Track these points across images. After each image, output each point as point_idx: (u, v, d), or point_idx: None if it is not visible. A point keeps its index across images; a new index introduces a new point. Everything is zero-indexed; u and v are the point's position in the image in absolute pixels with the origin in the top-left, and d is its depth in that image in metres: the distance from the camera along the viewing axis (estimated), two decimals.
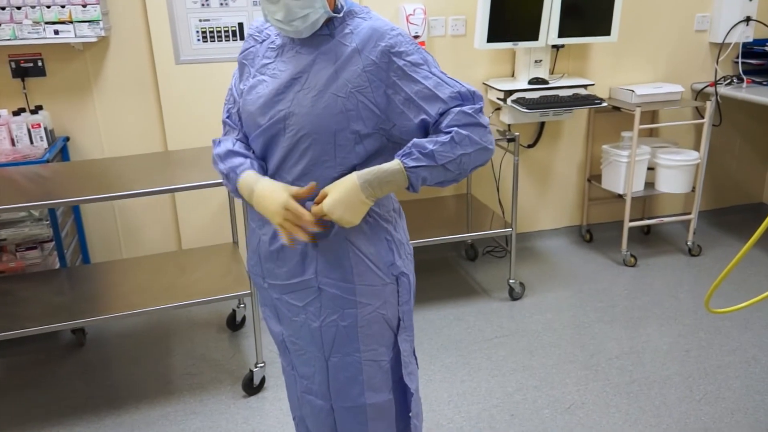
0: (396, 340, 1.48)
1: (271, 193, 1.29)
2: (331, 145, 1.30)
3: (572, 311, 3.08)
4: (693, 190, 3.51)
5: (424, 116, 1.29)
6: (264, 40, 1.42)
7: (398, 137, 1.33)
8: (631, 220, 3.47)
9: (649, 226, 3.91)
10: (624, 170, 3.38)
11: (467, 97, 1.31)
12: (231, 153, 1.40)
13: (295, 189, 1.30)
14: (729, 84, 3.55)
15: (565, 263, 3.58)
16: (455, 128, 1.27)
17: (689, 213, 3.61)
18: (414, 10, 3.18)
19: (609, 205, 3.78)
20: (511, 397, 2.46)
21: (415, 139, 1.28)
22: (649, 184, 3.51)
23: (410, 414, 1.54)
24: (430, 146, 1.26)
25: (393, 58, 1.28)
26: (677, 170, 3.39)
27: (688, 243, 3.61)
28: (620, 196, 3.47)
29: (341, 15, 1.34)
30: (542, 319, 3.02)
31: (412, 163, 1.26)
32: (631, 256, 3.50)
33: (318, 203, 1.29)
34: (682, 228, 3.89)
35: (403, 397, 1.53)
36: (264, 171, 1.38)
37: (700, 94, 3.64)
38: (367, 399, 1.46)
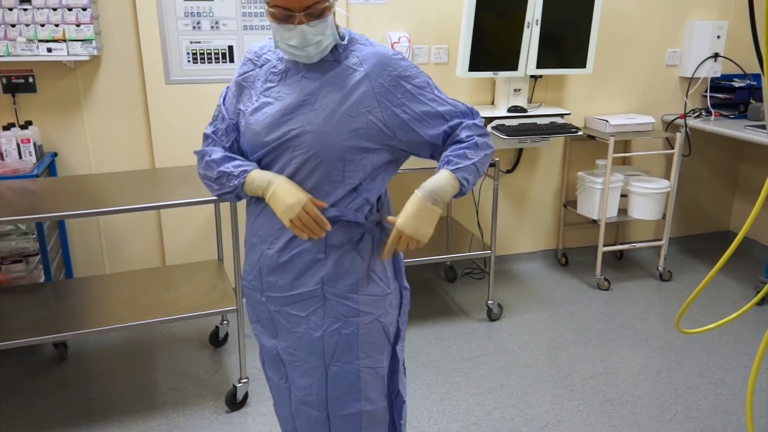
0: (392, 349, 1.57)
1: (294, 189, 1.39)
2: (341, 161, 1.39)
3: (548, 332, 3.17)
4: (663, 217, 3.65)
5: (431, 131, 1.44)
6: (263, 65, 1.50)
7: (403, 150, 1.48)
8: (604, 245, 3.60)
9: (622, 251, 4.04)
10: (598, 196, 3.51)
11: (467, 113, 1.48)
12: (228, 158, 1.47)
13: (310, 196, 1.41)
14: (698, 116, 3.73)
15: (541, 286, 3.68)
16: (474, 136, 1.45)
17: (660, 239, 3.75)
18: (399, 38, 3.29)
19: (584, 230, 3.90)
20: (489, 415, 2.53)
21: (444, 153, 1.45)
22: (622, 211, 3.64)
23: (401, 421, 1.62)
24: (461, 152, 1.43)
25: (401, 82, 1.41)
26: (649, 198, 3.53)
27: (659, 268, 3.74)
28: (595, 222, 3.60)
29: (345, 42, 1.43)
30: (519, 339, 3.10)
31: (454, 167, 1.42)
32: (605, 279, 3.61)
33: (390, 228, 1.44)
34: (654, 254, 4.03)
35: (393, 405, 1.60)
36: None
37: (670, 126, 3.81)
38: (363, 407, 1.53)
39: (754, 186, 4.07)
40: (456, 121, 1.45)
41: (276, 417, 1.78)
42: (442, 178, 1.41)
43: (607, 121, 3.53)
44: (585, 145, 3.76)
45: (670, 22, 3.75)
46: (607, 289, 3.60)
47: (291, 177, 1.42)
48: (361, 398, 1.52)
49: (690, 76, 3.74)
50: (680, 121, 3.72)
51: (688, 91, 3.80)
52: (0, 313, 2.54)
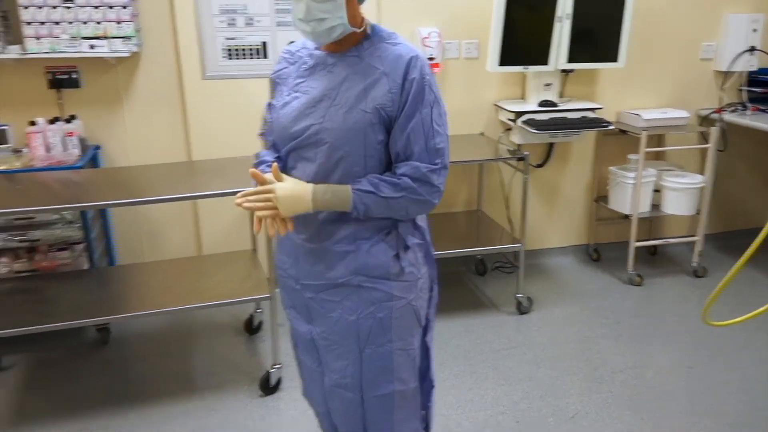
0: (422, 330, 1.63)
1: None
2: (362, 156, 1.44)
3: (578, 326, 3.17)
4: (698, 212, 3.61)
5: (400, 144, 1.44)
6: (296, 62, 1.56)
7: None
8: (637, 241, 3.57)
9: (655, 247, 4.00)
10: (630, 191, 3.49)
11: (433, 156, 1.44)
12: (262, 162, 1.57)
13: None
14: (734, 111, 3.67)
15: (572, 280, 3.68)
16: (406, 177, 1.43)
17: (695, 235, 3.70)
18: (429, 34, 3.33)
19: (616, 225, 3.87)
20: (516, 405, 2.55)
21: (370, 174, 1.44)
22: (655, 206, 3.61)
23: (429, 404, 1.69)
24: (378, 180, 1.43)
25: (414, 88, 1.41)
26: (682, 193, 3.49)
27: (693, 264, 3.70)
28: (627, 217, 3.57)
29: (369, 38, 1.47)
30: (548, 332, 3.11)
31: (358, 187, 1.43)
32: (637, 275, 3.59)
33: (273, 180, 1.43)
34: (688, 250, 3.97)
35: (425, 391, 1.67)
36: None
37: (705, 120, 3.75)
38: (395, 387, 1.58)
39: None
40: (419, 155, 1.43)
41: (307, 400, 1.84)
42: (340, 191, 1.43)
43: (639, 115, 3.50)
44: (617, 140, 3.73)
45: (706, 15, 3.69)
46: (639, 285, 3.58)
47: (317, 170, 1.46)
48: (394, 379, 1.58)
49: (725, 69, 3.68)
50: (715, 116, 3.66)
51: (723, 84, 3.74)
52: (46, 297, 2.67)
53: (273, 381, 2.63)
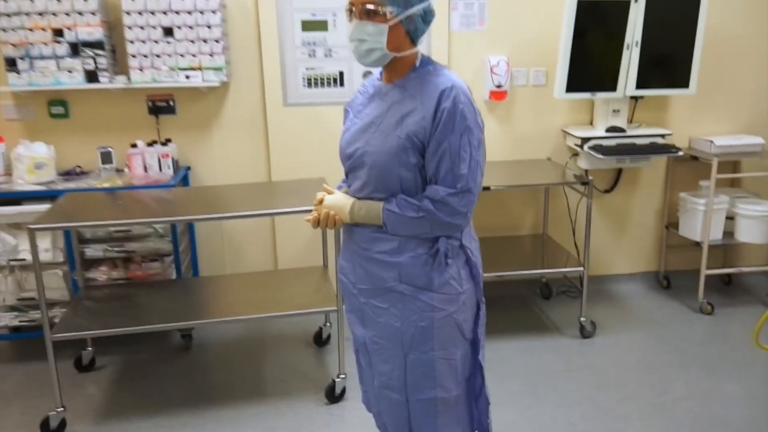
0: (470, 346, 1.74)
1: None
2: (397, 177, 1.60)
3: (642, 352, 3.16)
4: None
5: (431, 167, 1.59)
6: (365, 92, 1.77)
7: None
8: (709, 269, 3.51)
9: (729, 276, 3.90)
10: (701, 218, 3.44)
11: (456, 181, 1.56)
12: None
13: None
14: None
15: (639, 307, 3.65)
16: (427, 199, 1.58)
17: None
18: (498, 62, 3.45)
19: (687, 252, 3.81)
20: (574, 426, 2.58)
21: (401, 194, 1.62)
22: (729, 234, 3.54)
23: (488, 421, 1.83)
24: (405, 201, 1.60)
25: (445, 116, 1.54)
26: (756, 220, 3.41)
27: None
28: (698, 244, 3.52)
29: (416, 70, 1.63)
30: (612, 357, 3.11)
31: (388, 207, 1.61)
32: (708, 303, 3.52)
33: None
34: (765, 280, 3.85)
35: (470, 395, 1.78)
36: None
37: None
38: (438, 393, 1.70)
39: None
40: (440, 181, 1.57)
41: (365, 405, 1.98)
42: (374, 208, 1.63)
43: (711, 141, 3.47)
44: (689, 166, 3.70)
45: None
46: (710, 314, 3.50)
47: (361, 187, 1.67)
48: (436, 385, 1.70)
49: None
50: None
51: None
52: (138, 304, 2.95)
53: (338, 390, 2.78)
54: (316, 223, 1.73)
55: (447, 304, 1.66)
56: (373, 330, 1.75)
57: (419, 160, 1.59)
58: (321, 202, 1.73)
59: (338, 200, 1.71)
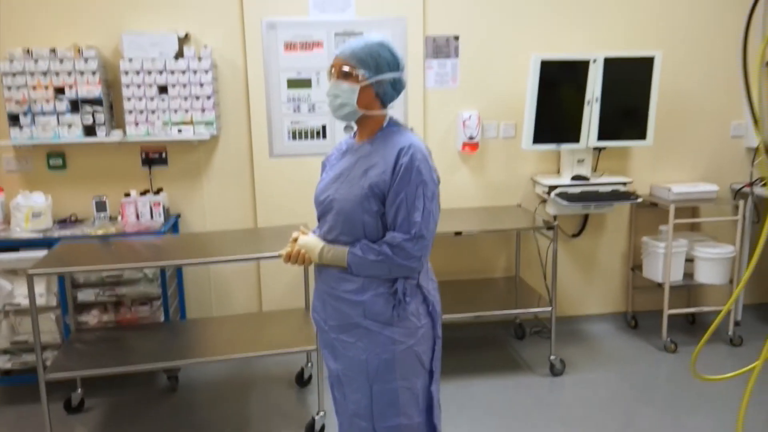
0: (428, 377, 1.91)
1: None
2: (360, 221, 1.82)
3: (608, 389, 3.32)
4: (731, 282, 3.72)
5: (390, 215, 1.80)
6: (340, 149, 2.01)
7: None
8: (671, 309, 3.70)
9: (693, 315, 4.10)
10: (662, 260, 3.66)
11: (410, 227, 1.77)
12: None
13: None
14: (766, 185, 3.82)
15: (607, 346, 3.82)
16: (386, 244, 1.79)
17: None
18: (470, 116, 3.71)
19: (653, 293, 4.00)
20: None
21: (364, 239, 1.82)
22: (690, 276, 3.75)
23: None
24: (367, 246, 1.81)
25: (402, 170, 1.77)
26: (713, 262, 3.64)
27: (729, 333, 3.78)
28: (660, 285, 3.73)
29: (383, 130, 1.88)
30: (579, 394, 3.27)
31: (352, 250, 1.82)
32: (672, 342, 3.70)
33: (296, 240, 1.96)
34: (727, 319, 4.04)
35: (429, 424, 1.94)
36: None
37: (738, 194, 3.91)
38: (401, 420, 1.87)
39: None
40: (397, 227, 1.78)
41: None
42: (339, 252, 1.85)
43: (669, 189, 3.72)
44: (650, 212, 3.94)
45: (733, 96, 3.92)
46: (674, 352, 3.69)
47: (329, 229, 1.88)
48: (400, 413, 1.87)
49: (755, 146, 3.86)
50: (746, 190, 3.82)
51: (753, 160, 3.92)
52: (127, 345, 3.09)
53: (318, 426, 2.92)
54: (288, 258, 1.93)
55: (407, 338, 1.84)
56: (343, 363, 1.92)
57: (380, 208, 1.81)
58: (296, 240, 1.94)
59: (310, 241, 1.92)
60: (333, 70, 1.86)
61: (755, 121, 2.00)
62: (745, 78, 2.08)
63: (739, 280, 3.77)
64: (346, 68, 1.82)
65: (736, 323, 3.81)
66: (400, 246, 1.78)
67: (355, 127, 1.98)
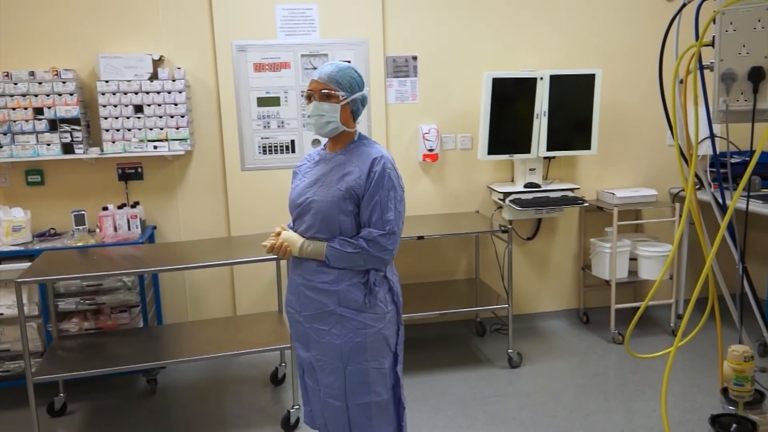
0: (393, 359, 2.16)
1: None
2: (336, 220, 2.07)
3: (561, 378, 3.60)
4: (671, 278, 4.06)
5: (365, 214, 2.06)
6: (311, 160, 2.26)
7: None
8: (618, 304, 4.02)
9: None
10: (608, 260, 3.98)
11: (384, 225, 2.04)
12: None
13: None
14: (699, 189, 4.17)
15: (561, 340, 4.12)
16: (362, 239, 2.05)
17: (670, 299, 4.14)
18: (429, 130, 3.99)
19: (602, 290, 4.32)
20: None
21: (340, 236, 2.06)
22: (635, 273, 4.08)
23: (403, 423, 2.21)
24: (344, 241, 2.05)
25: (376, 177, 2.04)
26: (653, 260, 3.97)
27: (672, 325, 4.11)
28: (607, 282, 4.04)
29: (355, 142, 2.13)
30: (535, 383, 3.54)
31: (330, 244, 2.06)
32: (619, 334, 4.01)
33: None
34: (667, 312, 4.38)
35: (396, 400, 2.19)
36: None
37: (676, 197, 4.27)
38: (372, 398, 2.11)
39: (755, 251, 4.41)
40: (375, 223, 2.03)
41: (308, 424, 2.35)
42: (319, 245, 2.08)
43: (613, 193, 4.05)
44: (598, 215, 4.27)
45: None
46: (621, 343, 4.00)
47: (306, 230, 2.11)
48: (371, 391, 2.10)
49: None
50: (683, 193, 4.18)
51: None
52: (108, 350, 3.25)
53: (293, 419, 3.12)
54: (271, 249, 2.15)
55: (376, 322, 2.09)
56: (316, 350, 2.15)
57: (354, 208, 2.07)
58: (279, 234, 2.16)
59: (292, 236, 2.15)
60: (313, 95, 2.09)
61: (671, 129, 2.31)
62: (662, 93, 2.39)
63: (679, 276, 4.12)
64: (326, 90, 2.07)
65: (678, 316, 4.14)
66: (375, 240, 2.03)
67: (323, 141, 2.23)
